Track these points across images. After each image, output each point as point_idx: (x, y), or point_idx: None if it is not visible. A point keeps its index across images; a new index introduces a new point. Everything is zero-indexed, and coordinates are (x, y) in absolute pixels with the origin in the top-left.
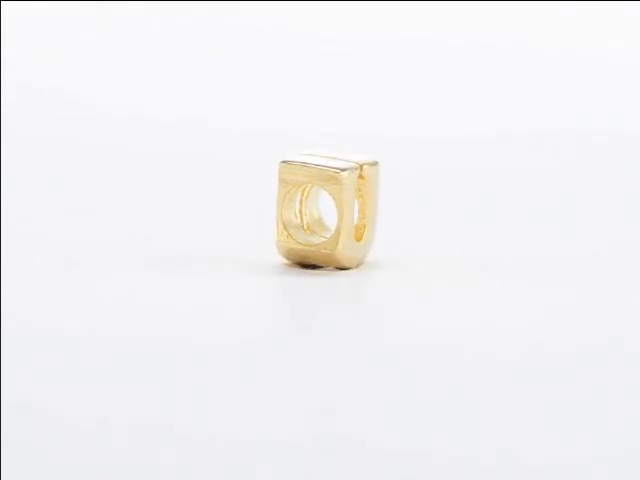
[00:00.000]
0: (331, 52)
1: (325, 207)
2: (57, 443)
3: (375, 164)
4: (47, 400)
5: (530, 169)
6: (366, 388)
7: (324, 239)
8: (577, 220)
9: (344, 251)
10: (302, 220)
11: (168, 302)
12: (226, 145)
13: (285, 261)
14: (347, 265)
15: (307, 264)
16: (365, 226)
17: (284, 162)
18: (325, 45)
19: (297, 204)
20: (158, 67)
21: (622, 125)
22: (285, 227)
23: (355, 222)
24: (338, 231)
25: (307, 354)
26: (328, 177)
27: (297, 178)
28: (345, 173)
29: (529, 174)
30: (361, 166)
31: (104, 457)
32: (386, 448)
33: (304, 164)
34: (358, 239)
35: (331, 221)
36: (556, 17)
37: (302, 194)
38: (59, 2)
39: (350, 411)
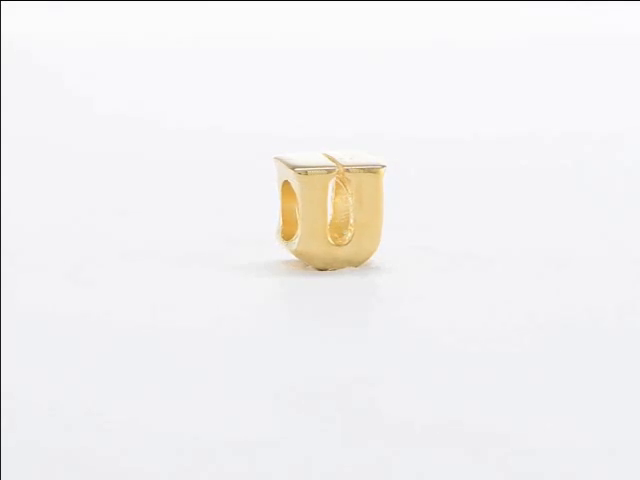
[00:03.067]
0: (349, 57)
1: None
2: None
3: (374, 170)
4: (45, 394)
5: (529, 169)
6: (365, 387)
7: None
8: (576, 219)
9: (305, 251)
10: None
11: (168, 301)
12: (235, 145)
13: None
14: (317, 265)
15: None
16: (353, 229)
17: (275, 158)
18: (344, 51)
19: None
20: (162, 71)
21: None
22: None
23: (351, 223)
24: (299, 230)
25: (307, 353)
26: (293, 175)
27: (281, 174)
28: (307, 173)
29: (527, 174)
30: (344, 169)
31: (106, 449)
32: (387, 447)
33: (281, 161)
34: (339, 242)
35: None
36: (557, 19)
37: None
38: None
39: (349, 408)
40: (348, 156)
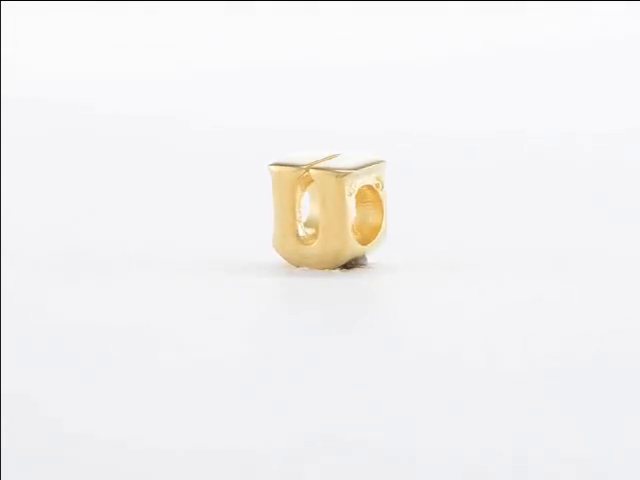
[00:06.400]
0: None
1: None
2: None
3: (338, 174)
4: (43, 402)
5: (529, 169)
6: (366, 387)
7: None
8: (578, 218)
9: (278, 247)
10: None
11: (166, 302)
12: (237, 144)
13: None
14: (291, 263)
15: None
16: (317, 230)
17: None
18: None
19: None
20: (162, 69)
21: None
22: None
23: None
24: (273, 227)
25: (307, 354)
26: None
27: None
28: (274, 169)
29: (527, 174)
30: (309, 169)
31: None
32: (388, 448)
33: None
34: (305, 242)
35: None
36: (556, 19)
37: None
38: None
39: (350, 410)
40: (337, 159)
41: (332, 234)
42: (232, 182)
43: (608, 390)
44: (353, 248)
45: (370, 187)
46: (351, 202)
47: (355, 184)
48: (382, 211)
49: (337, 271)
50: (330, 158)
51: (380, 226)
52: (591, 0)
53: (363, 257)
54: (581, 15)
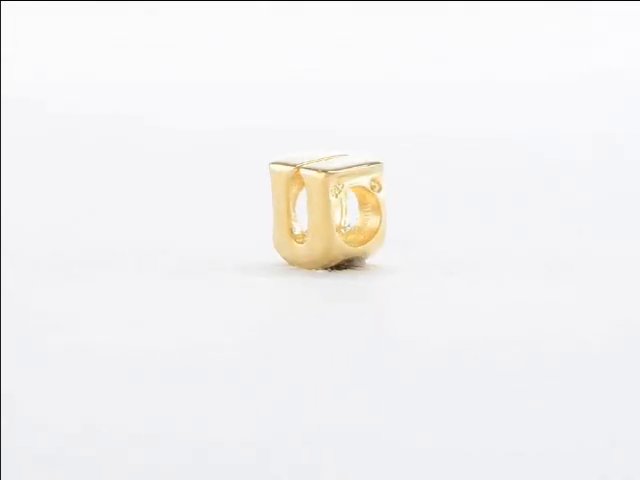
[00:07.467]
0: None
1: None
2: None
3: (322, 174)
4: (40, 407)
5: (525, 169)
6: (366, 387)
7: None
8: (578, 218)
9: (276, 246)
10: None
11: (168, 303)
12: (237, 144)
13: None
14: (288, 261)
15: None
16: (307, 229)
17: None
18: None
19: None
20: (161, 70)
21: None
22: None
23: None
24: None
25: (306, 354)
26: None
27: None
28: (270, 167)
29: (525, 173)
30: (299, 169)
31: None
32: (388, 448)
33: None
34: (298, 240)
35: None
36: (545, 19)
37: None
38: None
39: (349, 409)
40: (333, 159)
41: (318, 233)
42: (232, 182)
43: (609, 390)
44: (341, 248)
45: (365, 189)
46: (337, 203)
47: (342, 185)
48: (380, 213)
49: (332, 272)
50: (329, 158)
51: (377, 229)
52: (589, 0)
53: (360, 259)
54: (580, 15)
